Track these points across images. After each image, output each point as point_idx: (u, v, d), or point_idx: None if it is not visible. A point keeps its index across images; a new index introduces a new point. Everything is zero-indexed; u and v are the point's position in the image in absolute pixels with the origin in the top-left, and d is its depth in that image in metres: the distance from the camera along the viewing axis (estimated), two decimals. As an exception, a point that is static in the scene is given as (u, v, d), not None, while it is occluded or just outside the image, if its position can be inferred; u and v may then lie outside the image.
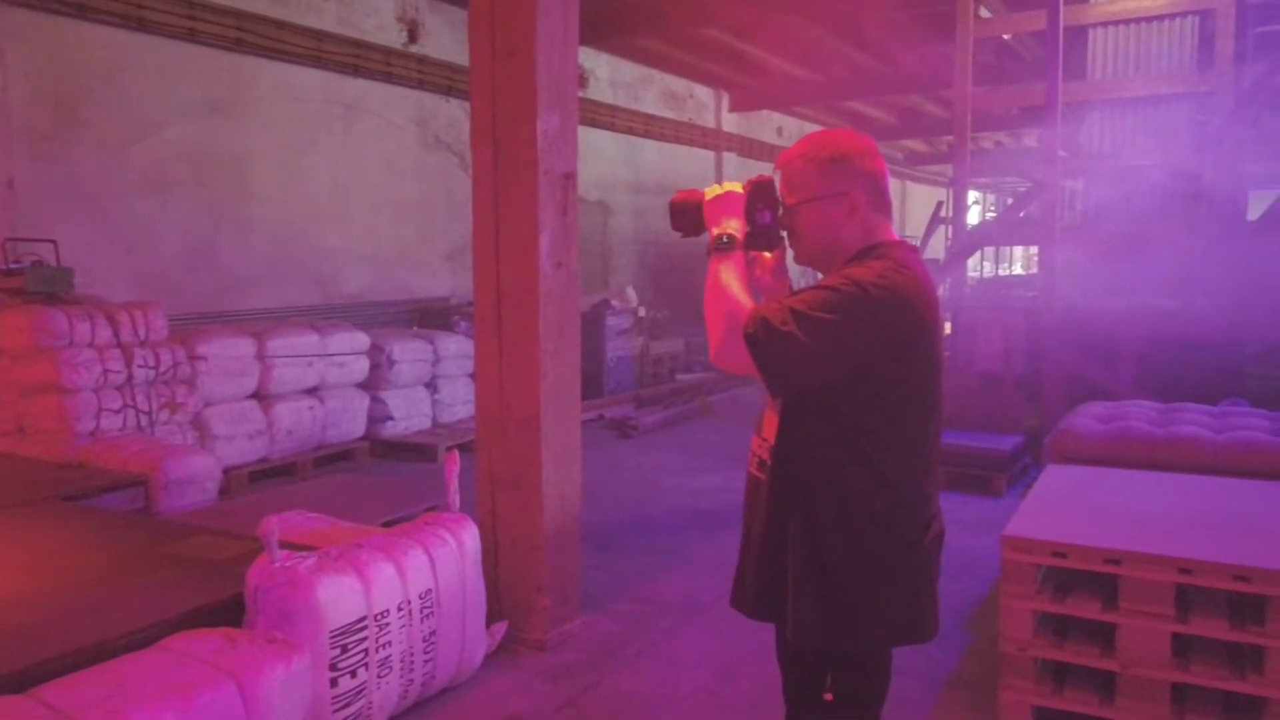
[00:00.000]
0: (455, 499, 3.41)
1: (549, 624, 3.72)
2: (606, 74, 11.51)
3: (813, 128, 10.93)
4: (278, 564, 2.72)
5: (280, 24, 7.28)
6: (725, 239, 1.88)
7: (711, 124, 13.87)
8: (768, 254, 2.04)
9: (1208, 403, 4.79)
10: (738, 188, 1.94)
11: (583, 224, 4.30)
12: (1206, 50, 8.36)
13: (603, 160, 11.41)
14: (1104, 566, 2.82)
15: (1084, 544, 2.86)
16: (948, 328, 7.66)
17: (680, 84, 13.05)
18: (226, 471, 5.73)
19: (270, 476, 6.37)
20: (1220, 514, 3.15)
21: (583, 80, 10.88)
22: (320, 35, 7.65)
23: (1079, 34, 8.98)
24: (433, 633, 3.10)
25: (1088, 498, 3.39)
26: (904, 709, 3.04)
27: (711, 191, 1.95)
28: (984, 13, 9.55)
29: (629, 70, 11.94)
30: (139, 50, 6.45)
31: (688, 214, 1.97)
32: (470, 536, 3.33)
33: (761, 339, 1.74)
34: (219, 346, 6.11)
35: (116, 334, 5.46)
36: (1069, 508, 3.28)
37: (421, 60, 8.72)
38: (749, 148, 14.57)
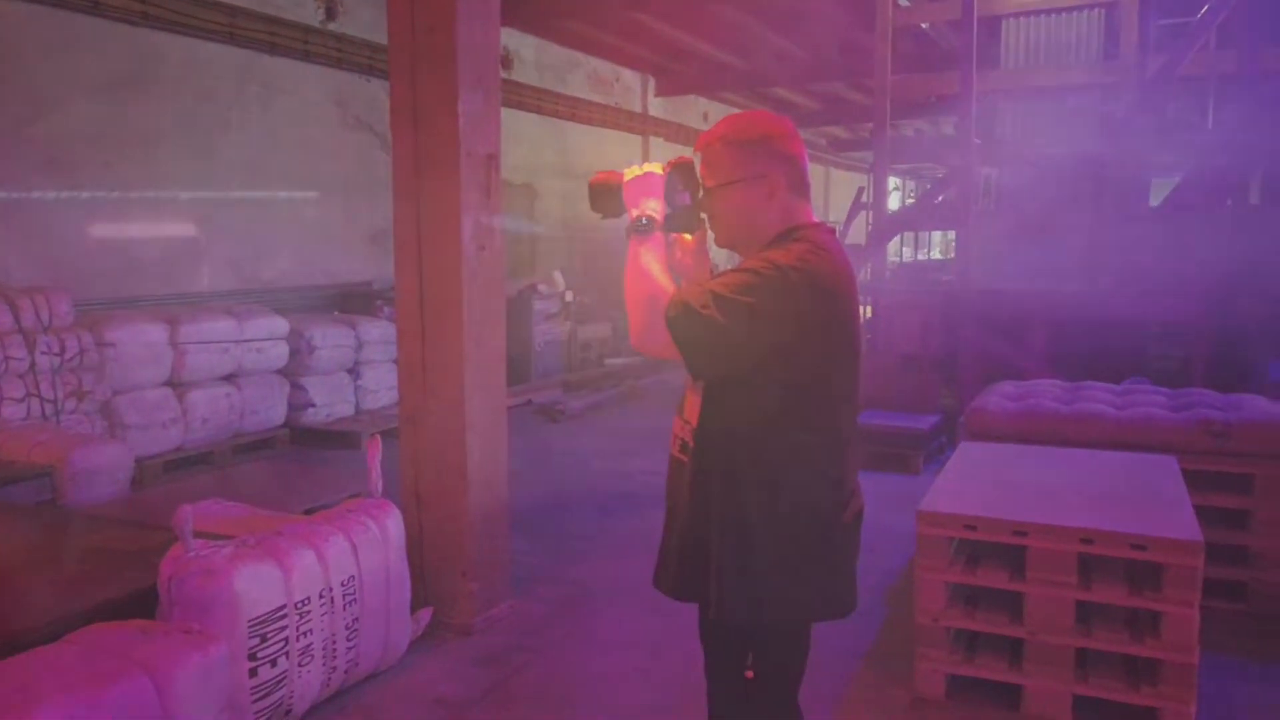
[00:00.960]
0: (378, 485, 3.38)
1: (476, 609, 3.71)
2: (533, 56, 11.40)
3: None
4: (193, 553, 2.65)
5: (190, -2, 7.02)
6: (645, 221, 1.88)
7: (638, 108, 13.86)
8: (688, 236, 2.06)
9: (1112, 381, 5.00)
10: (657, 169, 1.94)
11: (508, 208, 4.28)
12: (1112, 42, 8.68)
13: (529, 143, 11.31)
14: (1012, 538, 2.94)
15: (993, 517, 2.98)
16: (868, 311, 7.83)
17: (607, 68, 13.00)
18: (139, 461, 5.55)
19: (186, 466, 6.19)
20: (1120, 486, 3.30)
21: (508, 62, 10.76)
22: (233, 10, 7.39)
23: (993, 24, 9.23)
24: (356, 620, 3.07)
25: (998, 473, 3.51)
26: (823, 682, 3.12)
27: (631, 173, 1.94)
28: (903, 1, 9.73)
29: (556, 53, 11.84)
30: (39, 24, 6.15)
31: (607, 195, 1.96)
32: (394, 522, 3.30)
33: (682, 322, 1.76)
34: (129, 333, 5.91)
35: (17, 320, 5.23)
36: (980, 483, 3.40)
37: (340, 38, 8.50)
38: (675, 132, 14.60)
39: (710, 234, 2.04)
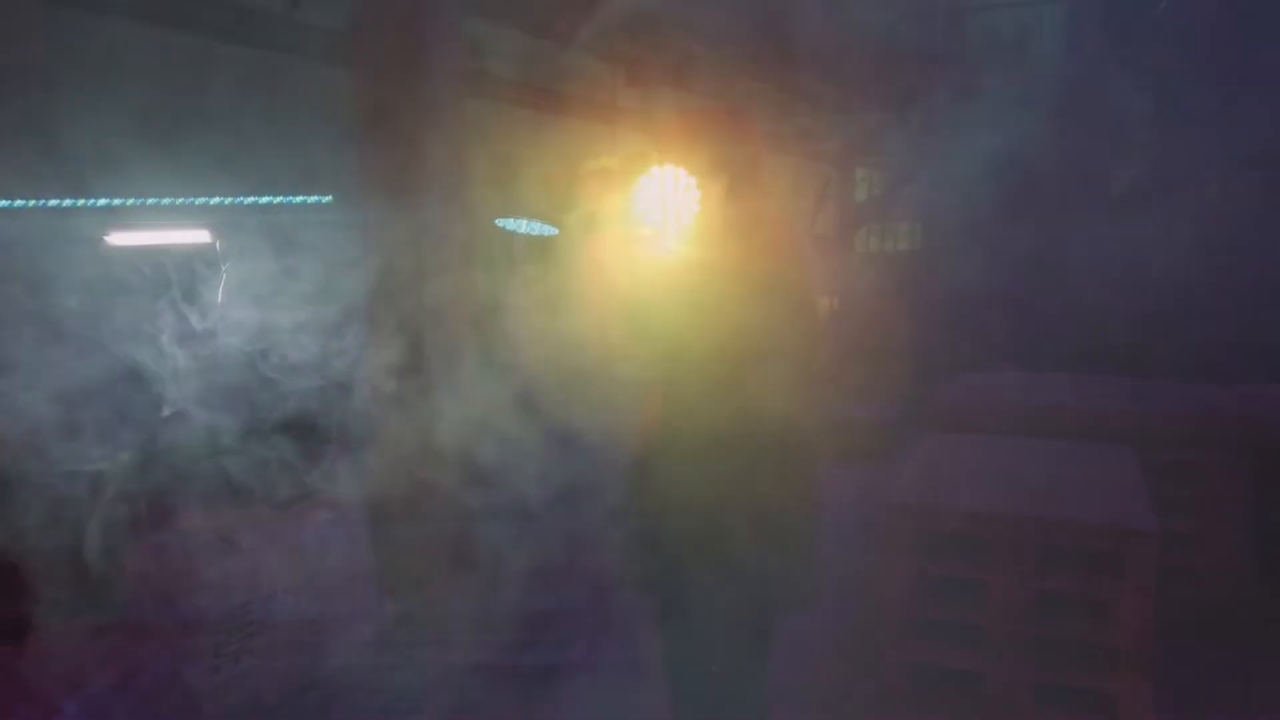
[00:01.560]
0: (353, 481, 3.36)
1: (454, 603, 3.69)
2: (502, 46, 11.32)
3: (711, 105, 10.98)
4: (162, 549, 2.63)
5: (151, -15, 6.89)
6: (603, 218, 1.89)
7: (608, 100, 13.82)
8: (650, 231, 2.06)
9: (1076, 371, 5.07)
10: (615, 166, 1.95)
11: (478, 201, 4.26)
12: (1075, 34, 8.77)
13: (499, 135, 11.24)
14: (974, 528, 2.98)
15: (956, 507, 3.02)
16: (835, 302, 7.88)
17: (580, 59, 12.94)
18: (103, 457, 5.47)
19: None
20: (1080, 476, 3.35)
21: (477, 52, 10.67)
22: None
23: (959, 18, 9.31)
24: (325, 615, 3.05)
25: (961, 463, 3.56)
26: (789, 673, 3.13)
27: (588, 169, 1.95)
28: (872, -7, 9.77)
29: (526, 43, 11.77)
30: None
31: (565, 192, 1.96)
32: (367, 518, 3.29)
33: (642, 320, 1.77)
34: (91, 326, 5.82)
35: (-24, 314, 5.13)
36: (944, 473, 3.44)
37: (306, 28, 8.39)
38: (645, 124, 14.58)
39: (670, 229, 2.04)
